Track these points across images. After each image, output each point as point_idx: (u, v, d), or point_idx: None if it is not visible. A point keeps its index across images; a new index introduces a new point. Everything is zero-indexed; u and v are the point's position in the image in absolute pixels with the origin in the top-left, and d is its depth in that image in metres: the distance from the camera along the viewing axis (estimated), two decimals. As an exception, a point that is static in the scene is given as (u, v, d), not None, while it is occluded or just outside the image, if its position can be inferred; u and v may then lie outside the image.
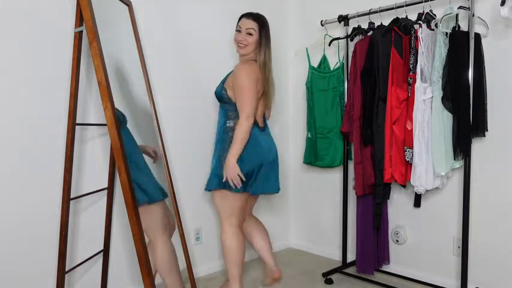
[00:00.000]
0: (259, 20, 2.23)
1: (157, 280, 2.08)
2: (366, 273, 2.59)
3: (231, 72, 2.24)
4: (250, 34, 2.19)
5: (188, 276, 2.21)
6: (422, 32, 2.21)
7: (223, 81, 2.24)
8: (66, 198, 1.85)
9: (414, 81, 2.24)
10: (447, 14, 2.16)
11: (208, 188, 2.19)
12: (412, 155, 2.26)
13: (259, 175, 2.13)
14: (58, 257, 1.87)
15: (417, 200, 2.50)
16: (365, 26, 2.58)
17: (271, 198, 3.08)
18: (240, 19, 2.26)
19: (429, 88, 2.21)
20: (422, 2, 2.30)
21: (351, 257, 2.83)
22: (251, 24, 2.20)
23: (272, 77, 2.27)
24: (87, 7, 1.72)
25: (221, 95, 2.19)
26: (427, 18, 2.26)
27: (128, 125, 1.98)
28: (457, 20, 2.22)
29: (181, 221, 2.24)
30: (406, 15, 2.38)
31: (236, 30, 2.23)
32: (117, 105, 1.80)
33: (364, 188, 2.48)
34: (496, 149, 2.24)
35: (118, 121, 1.73)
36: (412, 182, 2.29)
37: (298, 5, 3.20)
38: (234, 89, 2.14)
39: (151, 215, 1.97)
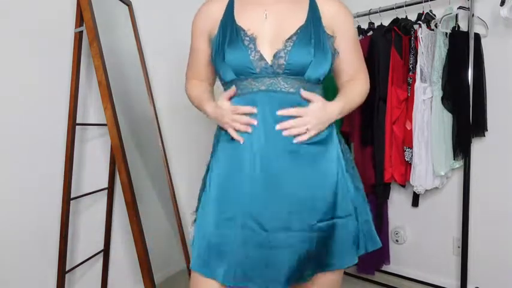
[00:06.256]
0: None
1: (158, 280, 2.08)
2: (366, 273, 2.59)
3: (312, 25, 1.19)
4: None
5: (188, 277, 2.20)
6: (422, 32, 2.21)
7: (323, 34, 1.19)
8: (66, 198, 1.85)
9: (414, 81, 2.24)
10: (447, 14, 2.16)
11: (350, 263, 1.24)
12: (412, 155, 2.26)
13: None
14: (58, 257, 1.87)
15: (415, 200, 2.51)
16: (365, 26, 2.58)
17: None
18: None
19: (429, 88, 2.21)
20: (422, 2, 2.30)
21: (350, 257, 2.83)
22: None
23: None
24: (87, 7, 1.73)
25: (330, 67, 1.24)
26: (427, 19, 2.26)
27: (126, 127, 1.96)
28: (456, 20, 2.22)
29: (181, 220, 2.24)
30: (406, 15, 2.38)
31: None
32: (117, 105, 1.80)
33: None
34: (496, 149, 2.24)
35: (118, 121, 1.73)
36: (411, 182, 2.29)
37: (298, 5, 3.19)
38: (341, 42, 1.24)
39: None
